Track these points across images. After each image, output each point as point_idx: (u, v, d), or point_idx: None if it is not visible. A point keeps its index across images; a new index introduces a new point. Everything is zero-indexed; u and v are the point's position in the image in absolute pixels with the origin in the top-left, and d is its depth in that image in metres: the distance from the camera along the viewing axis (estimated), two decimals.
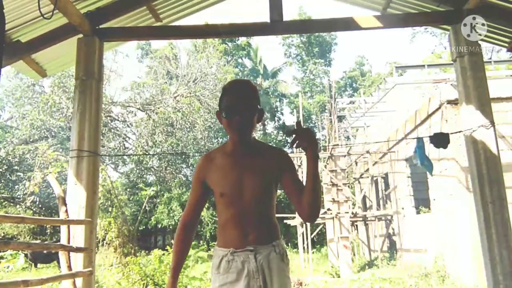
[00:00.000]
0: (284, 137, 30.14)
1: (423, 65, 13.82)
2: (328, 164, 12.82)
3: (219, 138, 21.62)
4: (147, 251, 15.70)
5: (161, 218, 20.15)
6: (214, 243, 2.09)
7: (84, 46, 4.47)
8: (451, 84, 8.40)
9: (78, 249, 3.80)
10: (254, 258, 1.75)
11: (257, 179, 1.80)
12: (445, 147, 5.60)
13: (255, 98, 1.77)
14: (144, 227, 20.70)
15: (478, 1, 4.33)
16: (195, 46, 19.45)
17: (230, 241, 1.79)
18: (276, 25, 4.65)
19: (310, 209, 1.71)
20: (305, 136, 1.63)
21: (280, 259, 1.80)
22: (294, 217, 15.00)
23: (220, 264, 1.78)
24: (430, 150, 7.40)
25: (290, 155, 16.65)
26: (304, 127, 1.67)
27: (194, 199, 1.91)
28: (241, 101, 1.73)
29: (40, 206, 14.74)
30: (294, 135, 1.65)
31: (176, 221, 19.83)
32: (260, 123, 1.96)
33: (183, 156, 16.91)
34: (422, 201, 10.59)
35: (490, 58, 16.29)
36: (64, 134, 13.70)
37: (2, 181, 14.38)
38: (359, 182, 15.55)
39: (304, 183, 1.74)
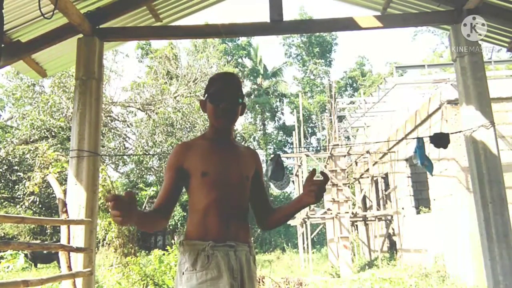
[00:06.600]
0: (284, 137, 30.14)
1: (423, 65, 13.82)
2: (328, 164, 12.82)
3: None
4: (147, 251, 15.70)
5: None
6: None
7: (84, 46, 4.48)
8: (451, 84, 8.40)
9: (78, 249, 3.81)
10: (234, 256, 1.64)
11: (240, 165, 1.77)
12: (445, 147, 5.60)
13: (241, 90, 1.81)
14: None
15: (478, 1, 4.33)
16: (195, 46, 19.43)
17: (209, 232, 1.63)
18: (276, 25, 4.65)
19: (274, 226, 1.85)
20: (319, 191, 1.60)
21: (253, 262, 1.75)
22: (294, 217, 14.99)
23: (197, 259, 1.59)
24: (430, 150, 7.40)
25: (291, 154, 16.73)
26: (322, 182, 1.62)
27: (167, 188, 1.66)
28: (228, 90, 1.76)
29: (40, 206, 14.73)
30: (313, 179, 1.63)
31: (176, 221, 19.82)
32: (242, 116, 1.99)
33: None
34: (422, 201, 10.59)
35: (490, 58, 16.26)
36: (64, 134, 13.66)
37: (2, 181, 14.37)
38: (359, 182, 15.54)
39: (286, 207, 1.77)
